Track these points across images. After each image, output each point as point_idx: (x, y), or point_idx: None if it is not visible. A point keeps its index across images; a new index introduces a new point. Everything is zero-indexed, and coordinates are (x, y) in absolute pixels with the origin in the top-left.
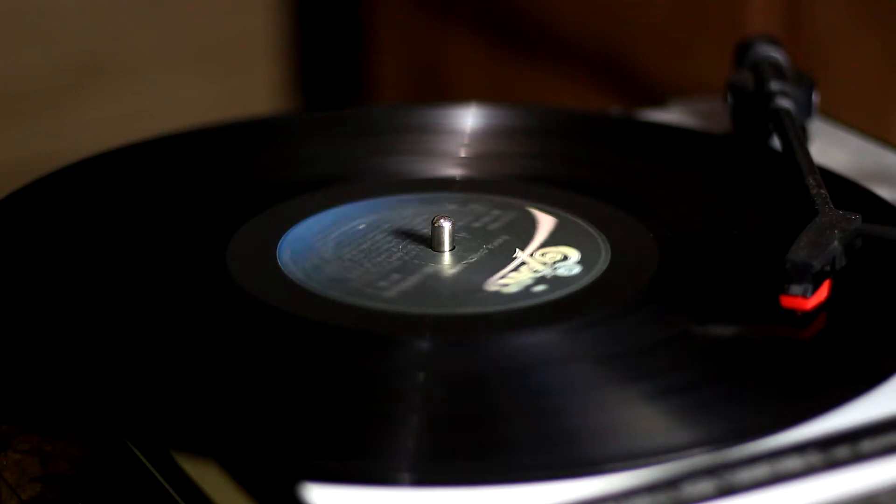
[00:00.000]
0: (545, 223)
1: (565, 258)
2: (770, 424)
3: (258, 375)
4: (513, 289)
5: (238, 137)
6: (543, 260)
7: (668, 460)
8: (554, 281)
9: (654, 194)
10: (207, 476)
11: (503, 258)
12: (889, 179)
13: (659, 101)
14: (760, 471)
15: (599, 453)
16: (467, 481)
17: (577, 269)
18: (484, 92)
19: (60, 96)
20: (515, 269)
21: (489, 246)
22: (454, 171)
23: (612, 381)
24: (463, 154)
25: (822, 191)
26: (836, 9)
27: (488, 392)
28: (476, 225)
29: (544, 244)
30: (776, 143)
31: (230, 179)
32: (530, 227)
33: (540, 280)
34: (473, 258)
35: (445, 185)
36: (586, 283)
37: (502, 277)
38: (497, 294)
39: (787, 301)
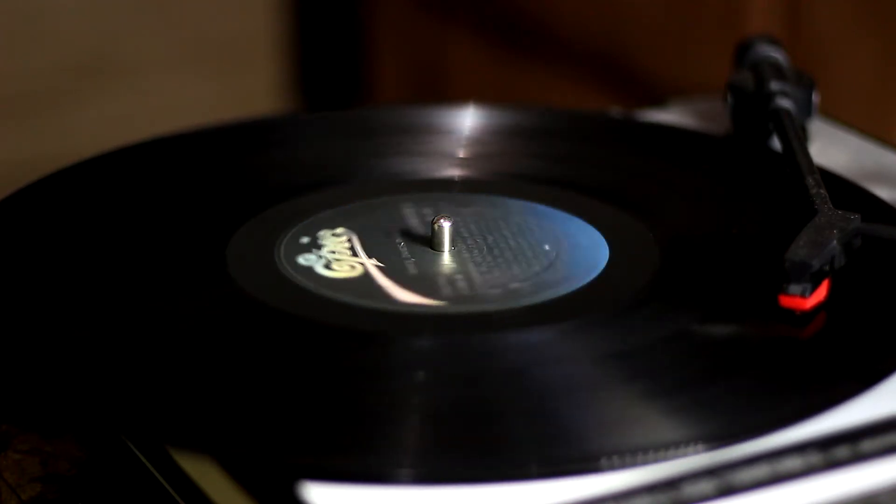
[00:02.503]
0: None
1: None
2: (769, 424)
3: (258, 374)
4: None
5: (238, 137)
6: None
7: (667, 459)
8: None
9: (654, 194)
10: (207, 475)
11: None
12: (889, 179)
13: (659, 101)
14: (760, 471)
15: (599, 452)
16: (467, 480)
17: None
18: (484, 92)
19: (60, 96)
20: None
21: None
22: (454, 171)
23: (612, 381)
24: (462, 154)
25: (822, 190)
26: (836, 9)
27: (488, 391)
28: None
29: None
30: (776, 143)
31: (230, 179)
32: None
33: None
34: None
35: (445, 185)
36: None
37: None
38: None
39: (786, 300)
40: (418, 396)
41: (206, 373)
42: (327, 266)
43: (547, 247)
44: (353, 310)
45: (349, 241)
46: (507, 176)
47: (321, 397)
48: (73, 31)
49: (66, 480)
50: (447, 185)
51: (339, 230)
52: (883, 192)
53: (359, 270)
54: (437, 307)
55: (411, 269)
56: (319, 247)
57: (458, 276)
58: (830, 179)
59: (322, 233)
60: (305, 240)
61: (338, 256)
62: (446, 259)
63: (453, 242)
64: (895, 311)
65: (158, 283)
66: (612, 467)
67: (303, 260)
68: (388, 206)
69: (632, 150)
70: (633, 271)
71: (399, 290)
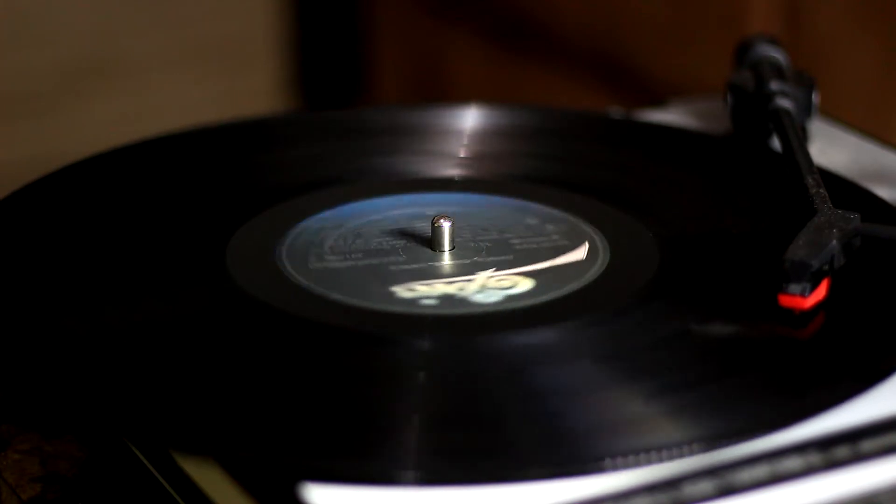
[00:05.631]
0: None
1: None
2: (769, 423)
3: (258, 375)
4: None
5: (238, 137)
6: (496, 283)
7: (667, 459)
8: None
9: (654, 194)
10: (207, 476)
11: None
12: (889, 179)
13: (659, 102)
14: (760, 471)
15: (599, 452)
16: (467, 481)
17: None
18: (484, 92)
19: (60, 96)
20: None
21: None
22: (454, 171)
23: (612, 381)
24: (463, 154)
25: (821, 190)
26: (836, 9)
27: (488, 392)
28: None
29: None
30: (776, 143)
31: (230, 179)
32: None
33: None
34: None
35: (445, 185)
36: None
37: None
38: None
39: (786, 300)
40: (419, 397)
41: (207, 374)
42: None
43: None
44: (353, 310)
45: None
46: (507, 176)
47: (322, 398)
48: (73, 31)
49: (66, 480)
50: (447, 184)
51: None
52: (883, 192)
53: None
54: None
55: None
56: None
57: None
58: (830, 179)
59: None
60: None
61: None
62: (446, 259)
63: (453, 242)
64: (895, 311)
65: (159, 283)
66: (612, 467)
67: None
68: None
69: (631, 150)
70: (633, 271)
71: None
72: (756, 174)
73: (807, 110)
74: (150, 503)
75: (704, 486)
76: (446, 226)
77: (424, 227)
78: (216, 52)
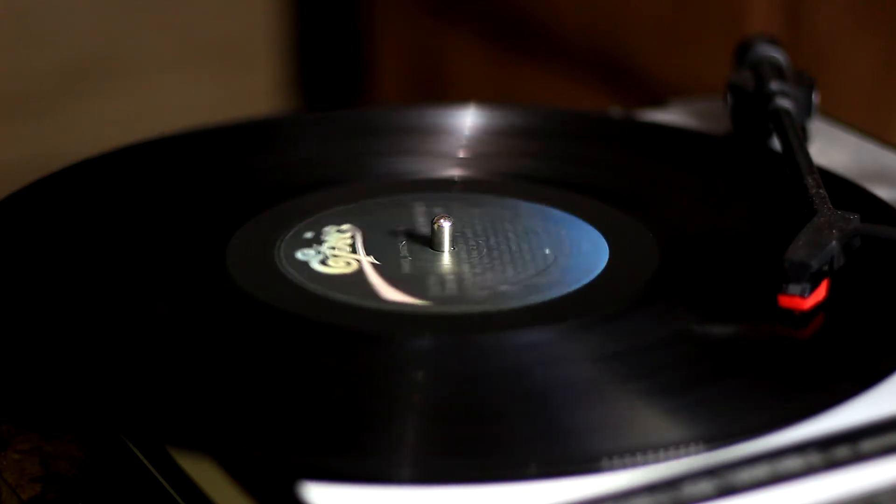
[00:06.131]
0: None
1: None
2: (768, 423)
3: (257, 374)
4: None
5: (238, 137)
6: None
7: (667, 458)
8: None
9: (654, 194)
10: (207, 475)
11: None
12: (889, 179)
13: (659, 102)
14: (760, 471)
15: (599, 451)
16: (467, 479)
17: None
18: (484, 92)
19: (60, 96)
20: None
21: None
22: (454, 171)
23: (612, 380)
24: (462, 154)
25: (821, 190)
26: (836, 9)
27: (488, 391)
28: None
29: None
30: (776, 143)
31: (230, 179)
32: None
33: None
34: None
35: (445, 185)
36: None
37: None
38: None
39: (785, 301)
40: (418, 396)
41: (205, 372)
42: (323, 262)
43: (547, 247)
44: (353, 309)
45: (352, 237)
46: (507, 176)
47: (321, 397)
48: (73, 31)
49: (66, 480)
50: (447, 185)
51: (346, 227)
52: (883, 192)
53: (353, 267)
54: (433, 306)
55: (406, 267)
56: (321, 242)
57: (454, 276)
58: (830, 179)
59: (328, 228)
60: (309, 234)
61: (336, 252)
62: (445, 259)
63: (453, 243)
64: (894, 311)
65: (158, 283)
66: (612, 467)
67: (301, 255)
68: (390, 205)
69: (632, 150)
70: (633, 271)
71: (388, 289)
72: (756, 174)
73: (807, 110)
74: (150, 503)
75: (704, 486)
76: (446, 226)
77: (424, 227)
78: (216, 52)
